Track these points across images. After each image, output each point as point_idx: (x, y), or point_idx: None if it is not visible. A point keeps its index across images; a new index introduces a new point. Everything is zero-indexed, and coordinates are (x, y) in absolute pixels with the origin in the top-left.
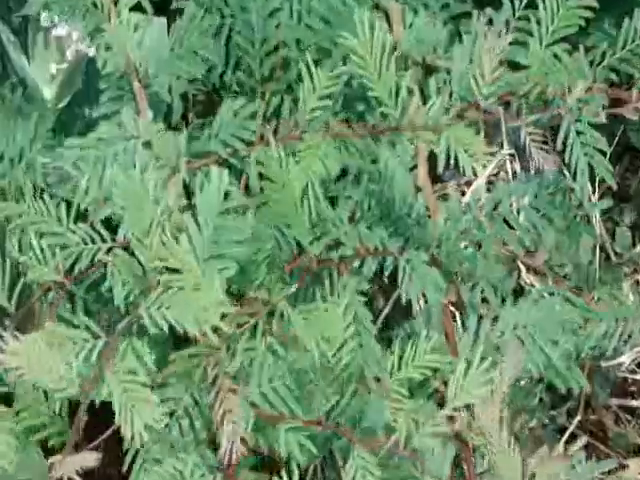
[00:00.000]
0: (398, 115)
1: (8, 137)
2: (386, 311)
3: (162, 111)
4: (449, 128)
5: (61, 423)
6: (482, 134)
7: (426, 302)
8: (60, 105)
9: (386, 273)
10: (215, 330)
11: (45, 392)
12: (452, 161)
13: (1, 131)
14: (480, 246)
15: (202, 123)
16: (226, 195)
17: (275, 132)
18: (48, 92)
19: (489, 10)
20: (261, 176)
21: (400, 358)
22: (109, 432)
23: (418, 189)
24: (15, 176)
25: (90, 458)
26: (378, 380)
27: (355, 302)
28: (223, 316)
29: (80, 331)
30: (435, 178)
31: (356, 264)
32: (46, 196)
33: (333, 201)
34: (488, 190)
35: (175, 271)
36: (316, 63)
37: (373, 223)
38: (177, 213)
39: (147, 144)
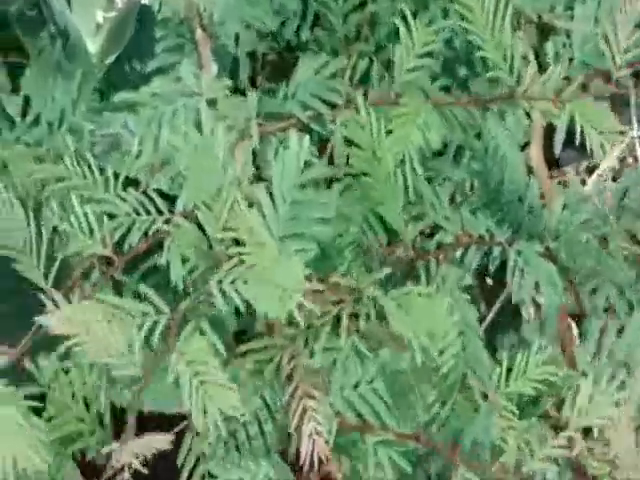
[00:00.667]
0: (513, 82)
1: (46, 97)
2: (492, 312)
3: (227, 67)
4: (574, 100)
5: (102, 433)
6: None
7: (538, 304)
8: (107, 61)
9: (492, 267)
10: (292, 320)
11: (85, 398)
12: (573, 140)
13: (38, 90)
14: (605, 241)
15: (272, 88)
16: (306, 165)
17: (365, 95)
18: (93, 45)
19: None
20: (348, 145)
21: (509, 369)
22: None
23: (531, 170)
24: (54, 143)
25: (162, 440)
26: (484, 392)
27: (457, 297)
28: (299, 307)
29: (142, 304)
30: (551, 160)
31: (457, 254)
32: (90, 157)
33: (430, 181)
34: (613, 179)
35: (247, 246)
36: (412, 16)
37: (477, 208)
38: (247, 184)
39: (211, 103)
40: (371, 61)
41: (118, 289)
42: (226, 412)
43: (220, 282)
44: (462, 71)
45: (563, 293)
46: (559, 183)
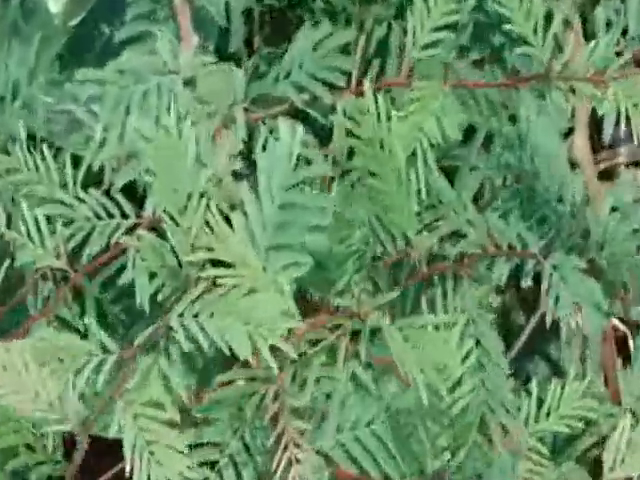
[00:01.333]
0: (547, 59)
1: None
2: (523, 338)
3: (213, 35)
4: (620, 80)
5: (51, 465)
6: None
7: (577, 326)
8: (71, 23)
9: (524, 283)
10: (275, 352)
11: (33, 424)
12: (623, 126)
13: None
14: None
15: (272, 54)
16: (300, 160)
17: (379, 75)
18: (55, 4)
19: None
20: (351, 136)
21: (540, 403)
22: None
23: (574, 164)
24: (5, 120)
25: None
26: (506, 432)
27: (479, 321)
28: (289, 332)
29: (85, 342)
30: (598, 150)
31: (482, 267)
32: (46, 149)
33: (451, 176)
34: None
35: (223, 265)
36: None
37: (508, 210)
38: (230, 182)
39: (190, 82)
40: (389, 28)
41: (80, 299)
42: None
43: (181, 315)
44: (496, 40)
45: (608, 314)
46: (607, 175)
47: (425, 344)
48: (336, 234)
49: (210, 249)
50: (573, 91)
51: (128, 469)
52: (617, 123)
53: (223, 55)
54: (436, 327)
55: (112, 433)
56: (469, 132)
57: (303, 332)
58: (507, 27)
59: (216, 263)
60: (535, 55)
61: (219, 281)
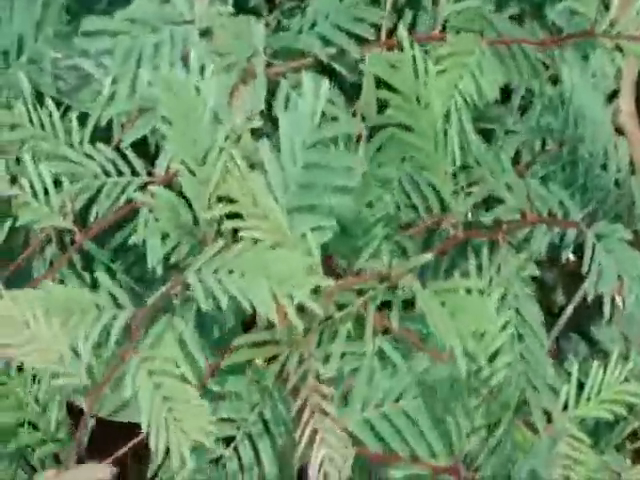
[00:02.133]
0: (593, 15)
1: (1, 18)
2: (567, 314)
3: None
4: None
5: (57, 444)
6: None
7: (623, 302)
8: None
9: (566, 254)
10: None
11: (37, 399)
12: None
13: None
14: None
15: (295, 9)
16: (324, 117)
17: (411, 28)
18: None
19: None
20: (383, 88)
21: (580, 386)
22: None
23: (619, 130)
24: (9, 77)
25: (103, 471)
26: (547, 415)
27: (519, 291)
28: (315, 292)
29: (95, 294)
30: None
31: (521, 235)
32: (51, 103)
33: (487, 138)
34: None
35: (244, 219)
36: None
37: (548, 175)
38: (249, 140)
39: (206, 33)
40: None
41: (88, 263)
42: (196, 440)
43: (199, 270)
44: None
45: None
46: None
47: (462, 310)
48: (364, 197)
49: (232, 201)
50: (620, 50)
51: (145, 429)
52: None
53: (242, 9)
54: (473, 293)
55: (126, 393)
56: (507, 93)
57: (330, 293)
58: None
59: (234, 218)
60: (579, 10)
61: (241, 234)
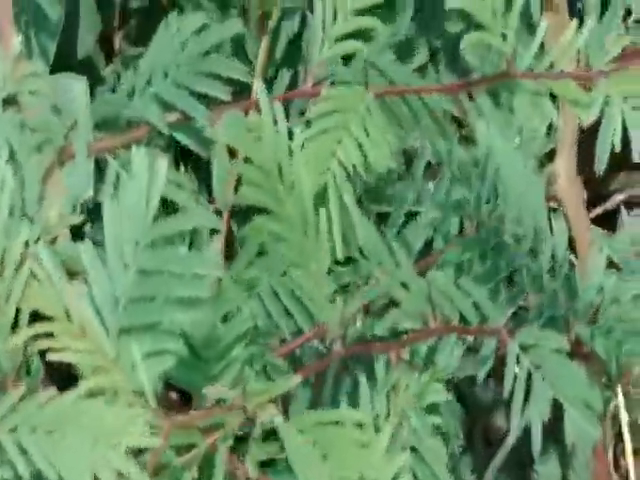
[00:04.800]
0: (510, 49)
1: None
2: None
3: (52, 32)
4: (614, 74)
5: None
6: None
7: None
8: None
9: (481, 372)
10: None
11: None
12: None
13: None
14: None
15: (141, 55)
16: (165, 205)
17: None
18: None
19: None
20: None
21: None
22: None
23: (553, 209)
24: None
25: None
26: None
27: (418, 423)
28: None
29: None
30: (593, 181)
31: (423, 349)
32: None
33: (382, 220)
34: None
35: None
36: None
37: (462, 267)
38: (67, 242)
39: (10, 101)
40: (303, 21)
41: None
42: None
43: None
44: (453, 27)
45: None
46: (604, 218)
47: (339, 452)
48: (219, 309)
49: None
50: (552, 96)
51: None
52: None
53: (69, 61)
54: (354, 428)
55: None
56: (406, 159)
57: (166, 434)
58: (449, 4)
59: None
60: (493, 45)
61: (51, 357)
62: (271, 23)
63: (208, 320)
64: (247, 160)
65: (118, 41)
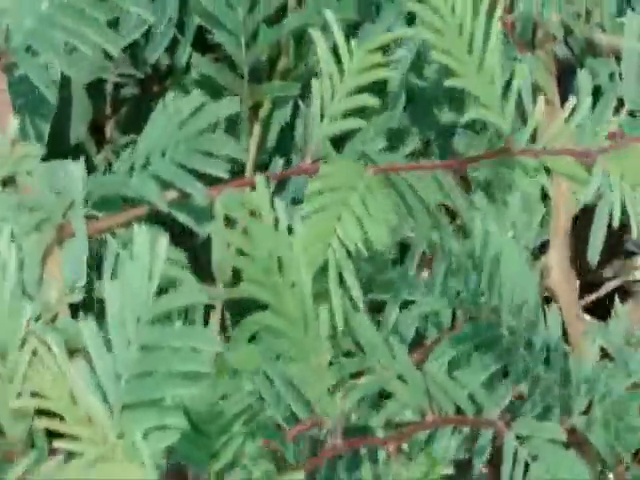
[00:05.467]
0: (508, 127)
1: None
2: None
3: (46, 116)
4: (614, 151)
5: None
6: None
7: None
8: None
9: (479, 461)
10: None
11: None
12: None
13: None
14: None
15: (130, 144)
16: (167, 284)
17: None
18: None
19: None
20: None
21: None
22: None
23: (548, 298)
24: None
25: None
26: None
27: None
28: None
29: None
30: (586, 267)
31: (422, 436)
32: None
33: (377, 309)
34: None
35: (60, 419)
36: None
37: (458, 360)
38: (68, 320)
39: (8, 181)
40: (295, 107)
41: None
42: None
43: None
44: (445, 117)
45: None
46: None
47: None
48: (219, 386)
49: (44, 411)
50: (547, 171)
51: None
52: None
53: (61, 148)
54: None
55: None
56: (402, 249)
57: None
58: (450, 82)
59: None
60: (495, 123)
61: (56, 445)
62: (263, 112)
63: (209, 395)
64: (244, 253)
65: (109, 129)
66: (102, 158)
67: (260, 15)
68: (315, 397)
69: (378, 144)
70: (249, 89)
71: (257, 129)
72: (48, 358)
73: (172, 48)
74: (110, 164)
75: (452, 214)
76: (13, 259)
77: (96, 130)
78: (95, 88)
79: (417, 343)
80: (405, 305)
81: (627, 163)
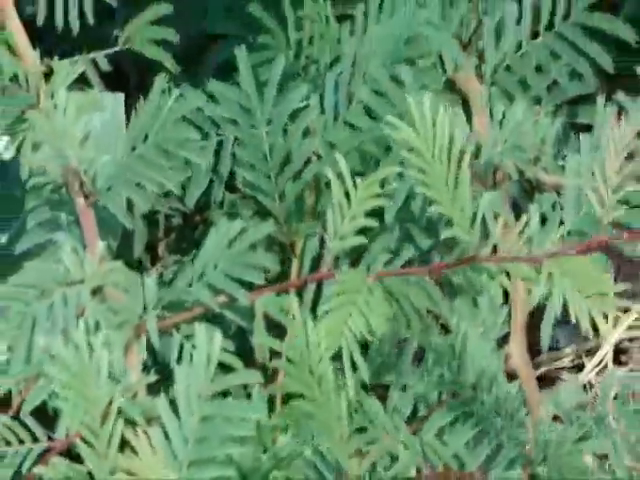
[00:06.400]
0: (475, 241)
1: None
2: None
3: (117, 238)
4: (556, 258)
5: None
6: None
7: None
8: None
9: None
10: None
11: None
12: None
13: None
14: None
15: (178, 261)
16: (220, 368)
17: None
18: None
19: (621, 95)
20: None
21: None
22: None
23: (512, 374)
24: None
25: None
26: None
27: None
28: None
29: None
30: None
31: None
32: None
33: (383, 391)
34: (619, 363)
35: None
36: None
37: (444, 427)
38: (145, 396)
39: (97, 291)
40: (322, 240)
41: None
42: None
43: None
44: (426, 242)
45: None
46: (547, 378)
47: None
48: (261, 443)
49: (131, 474)
50: (507, 275)
51: None
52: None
53: (126, 261)
54: None
55: None
56: (399, 348)
57: None
58: (432, 209)
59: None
60: (462, 238)
61: None
62: (297, 248)
63: (253, 452)
64: (287, 359)
65: (161, 250)
66: (155, 270)
67: (290, 172)
68: (341, 460)
69: (383, 258)
70: (284, 219)
71: (295, 264)
72: (129, 432)
73: (208, 188)
74: (161, 275)
75: (436, 317)
76: (105, 354)
77: (151, 249)
78: (150, 217)
79: (412, 417)
80: (403, 388)
81: (567, 267)
